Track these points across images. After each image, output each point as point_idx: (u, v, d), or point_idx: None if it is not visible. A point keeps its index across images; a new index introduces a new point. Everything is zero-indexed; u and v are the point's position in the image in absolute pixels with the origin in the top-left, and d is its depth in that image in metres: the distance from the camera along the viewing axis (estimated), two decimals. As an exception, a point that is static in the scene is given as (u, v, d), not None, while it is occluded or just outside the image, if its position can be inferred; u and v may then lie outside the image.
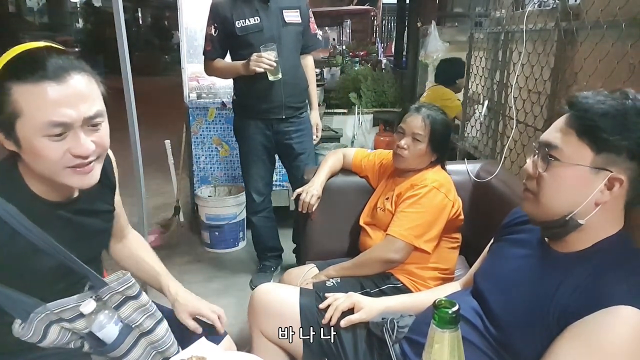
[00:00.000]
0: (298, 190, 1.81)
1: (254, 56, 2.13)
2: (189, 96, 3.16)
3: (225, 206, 2.95)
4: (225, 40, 2.29)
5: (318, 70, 4.21)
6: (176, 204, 3.17)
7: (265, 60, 2.11)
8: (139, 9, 20.01)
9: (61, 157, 0.85)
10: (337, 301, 1.28)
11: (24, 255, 0.90)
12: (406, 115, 1.62)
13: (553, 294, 0.86)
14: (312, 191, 1.77)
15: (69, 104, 0.83)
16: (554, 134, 0.88)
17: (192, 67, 3.32)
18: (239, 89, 2.41)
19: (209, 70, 2.41)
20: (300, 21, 2.34)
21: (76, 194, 1.00)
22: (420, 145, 1.57)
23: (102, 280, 0.97)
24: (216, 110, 3.09)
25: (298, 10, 2.33)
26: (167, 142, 3.16)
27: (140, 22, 20.50)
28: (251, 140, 2.41)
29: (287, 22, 2.29)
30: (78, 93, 0.84)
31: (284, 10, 2.29)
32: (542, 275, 0.91)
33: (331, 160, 1.88)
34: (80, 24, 17.03)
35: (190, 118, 3.09)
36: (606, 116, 0.81)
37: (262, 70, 2.13)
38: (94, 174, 0.91)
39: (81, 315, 0.95)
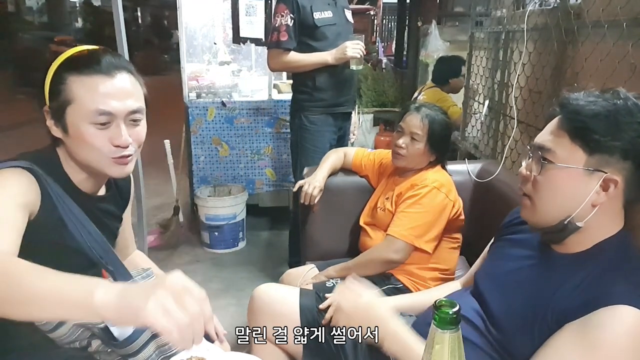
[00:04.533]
0: (300, 182, 1.80)
1: (350, 43, 2.18)
2: (188, 96, 3.14)
3: (224, 206, 2.94)
4: (300, 31, 2.25)
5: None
6: (175, 204, 3.16)
7: (362, 46, 2.18)
8: (139, 8, 20.01)
9: (103, 146, 0.94)
10: (338, 302, 1.28)
11: (61, 243, 0.94)
12: (406, 114, 1.61)
13: (553, 296, 0.85)
14: (314, 183, 1.76)
15: (116, 96, 0.92)
16: (547, 136, 0.88)
17: (191, 67, 3.31)
18: (314, 83, 2.31)
19: (283, 62, 2.29)
20: (352, 22, 2.43)
21: (103, 192, 1.07)
22: (419, 145, 1.56)
23: (128, 273, 1.02)
24: (216, 110, 3.08)
25: (350, 12, 2.43)
26: (167, 142, 3.15)
27: (140, 21, 20.49)
28: (322, 137, 2.35)
29: (348, 20, 2.38)
30: (125, 89, 0.94)
31: (344, 9, 2.37)
32: (542, 277, 0.91)
33: (332, 157, 1.87)
34: (79, 23, 17.02)
35: (190, 118, 3.08)
36: (597, 117, 0.81)
37: (359, 55, 2.18)
38: (130, 166, 1.01)
39: None
